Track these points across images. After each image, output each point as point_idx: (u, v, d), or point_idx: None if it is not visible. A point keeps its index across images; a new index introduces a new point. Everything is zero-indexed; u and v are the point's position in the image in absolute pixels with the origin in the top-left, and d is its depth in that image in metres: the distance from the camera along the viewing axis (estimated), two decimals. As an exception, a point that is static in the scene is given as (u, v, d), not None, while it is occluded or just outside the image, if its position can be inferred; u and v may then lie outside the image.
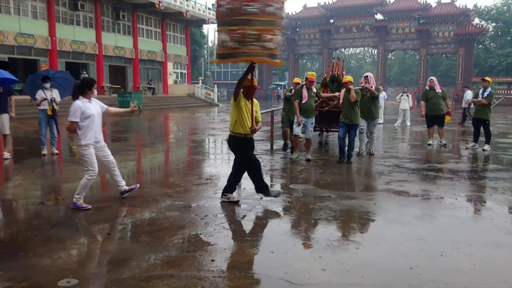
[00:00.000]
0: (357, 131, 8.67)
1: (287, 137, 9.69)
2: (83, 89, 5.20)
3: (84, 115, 5.10)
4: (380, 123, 15.46)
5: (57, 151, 9.28)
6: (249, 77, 5.21)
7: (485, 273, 3.54)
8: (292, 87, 9.64)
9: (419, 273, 3.49)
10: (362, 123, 9.01)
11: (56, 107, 9.07)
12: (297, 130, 8.55)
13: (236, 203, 5.47)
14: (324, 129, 11.50)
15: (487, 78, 10.35)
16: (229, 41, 4.66)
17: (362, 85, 9.20)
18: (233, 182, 5.60)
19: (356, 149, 9.14)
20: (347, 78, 8.49)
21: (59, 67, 25.10)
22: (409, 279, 3.38)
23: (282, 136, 9.97)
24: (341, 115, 8.38)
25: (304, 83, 8.58)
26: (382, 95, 17.41)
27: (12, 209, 5.56)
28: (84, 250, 3.97)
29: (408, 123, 16.70)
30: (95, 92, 5.38)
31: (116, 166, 5.61)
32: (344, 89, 8.39)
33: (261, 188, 5.52)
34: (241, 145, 5.38)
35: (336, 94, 9.33)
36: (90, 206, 5.17)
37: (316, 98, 8.94)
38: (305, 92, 8.37)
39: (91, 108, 5.20)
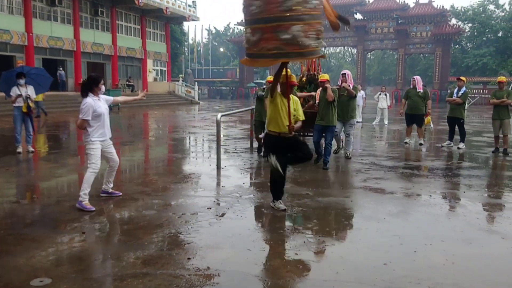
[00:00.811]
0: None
1: (261, 140, 8.84)
2: (90, 86, 5.17)
3: (95, 113, 5.10)
4: (358, 122, 15.64)
5: (32, 149, 9.11)
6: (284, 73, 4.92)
7: (457, 268, 3.62)
8: (264, 86, 8.93)
9: (392, 269, 3.55)
10: (338, 125, 8.40)
11: (31, 104, 8.90)
12: None
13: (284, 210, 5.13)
14: (300, 133, 10.69)
15: (462, 78, 10.57)
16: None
17: (339, 83, 8.70)
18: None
19: (334, 147, 9.02)
20: (323, 76, 7.92)
21: (36, 64, 24.61)
22: (383, 275, 3.44)
23: (257, 140, 9.24)
24: (317, 117, 7.83)
25: None
26: (361, 94, 17.60)
27: (-15, 208, 5.44)
28: (58, 249, 3.90)
29: (386, 122, 16.91)
30: (103, 88, 5.34)
31: (117, 165, 5.60)
32: (320, 88, 7.88)
33: (276, 196, 5.23)
34: (273, 143, 5.09)
35: (313, 93, 8.78)
36: (94, 208, 5.04)
37: None
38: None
39: (101, 106, 5.19)
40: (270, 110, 5.04)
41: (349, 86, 8.46)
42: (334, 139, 8.52)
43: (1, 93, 12.01)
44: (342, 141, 9.29)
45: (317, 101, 7.98)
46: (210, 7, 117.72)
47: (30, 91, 8.84)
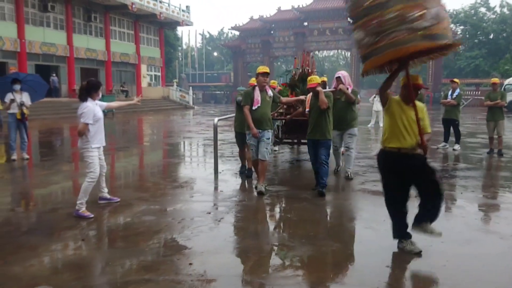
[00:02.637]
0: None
1: (244, 157, 7.45)
2: (90, 91, 5.14)
3: (95, 117, 5.07)
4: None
5: (27, 156, 9.04)
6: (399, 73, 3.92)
7: (457, 269, 3.64)
8: (243, 90, 7.25)
9: (394, 271, 3.56)
10: (336, 139, 7.12)
11: (25, 111, 8.84)
12: (252, 153, 6.33)
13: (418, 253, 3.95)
14: (295, 141, 8.85)
15: (456, 80, 10.63)
16: (364, 37, 3.53)
17: (334, 87, 7.12)
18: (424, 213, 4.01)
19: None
20: (313, 80, 6.17)
21: (28, 70, 24.49)
22: (384, 277, 3.44)
23: (240, 157, 7.70)
24: (308, 129, 6.24)
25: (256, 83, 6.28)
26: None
27: (-19, 216, 5.39)
28: (57, 257, 3.87)
29: (381, 124, 16.95)
30: (100, 94, 5.31)
31: (105, 171, 5.58)
32: (311, 94, 6.27)
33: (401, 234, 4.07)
34: (391, 163, 4.01)
35: (302, 97, 6.84)
36: (92, 215, 4.99)
37: (279, 104, 6.93)
38: (257, 95, 6.09)
39: (99, 111, 5.18)
40: (386, 121, 4.10)
41: (347, 89, 6.95)
42: (334, 156, 7.26)
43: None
44: (343, 154, 7.73)
45: (307, 109, 6.37)
46: (204, 12, 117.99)
47: (24, 97, 8.79)
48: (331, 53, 70.99)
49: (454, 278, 3.46)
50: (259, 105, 6.08)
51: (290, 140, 8.79)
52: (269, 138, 6.19)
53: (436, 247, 4.10)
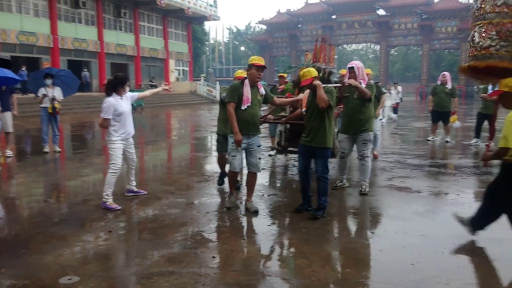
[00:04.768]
0: (337, 156, 6.09)
1: (224, 163, 6.15)
2: (116, 86, 5.24)
3: (116, 112, 5.16)
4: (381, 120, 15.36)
5: (59, 149, 9.30)
6: None
7: (487, 269, 3.54)
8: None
9: (420, 269, 3.48)
10: (345, 144, 5.94)
11: (57, 105, 9.08)
12: (234, 163, 5.02)
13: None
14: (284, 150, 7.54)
15: (498, 74, 10.24)
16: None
17: (345, 80, 5.78)
18: (480, 218, 4.12)
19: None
20: (307, 74, 4.79)
21: (61, 65, 25.14)
22: (411, 275, 3.37)
23: (219, 164, 6.40)
24: (303, 133, 4.99)
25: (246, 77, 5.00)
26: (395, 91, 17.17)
27: (15, 207, 5.58)
28: (85, 248, 3.97)
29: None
30: (127, 89, 5.42)
31: (135, 164, 5.68)
32: (308, 90, 5.02)
33: None
34: None
35: (300, 96, 5.53)
36: (120, 207, 5.11)
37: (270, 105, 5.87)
38: (247, 91, 4.86)
39: (123, 105, 5.26)
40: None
41: (360, 83, 5.58)
42: (339, 165, 6.14)
43: (31, 94, 12.31)
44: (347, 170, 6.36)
45: (303, 109, 5.16)
46: (231, 6, 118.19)
47: (56, 92, 9.03)
48: (360, 46, 70.02)
49: (483, 278, 3.37)
50: (249, 104, 4.86)
51: (294, 149, 7.06)
52: (260, 146, 5.10)
53: (465, 245, 4.01)
